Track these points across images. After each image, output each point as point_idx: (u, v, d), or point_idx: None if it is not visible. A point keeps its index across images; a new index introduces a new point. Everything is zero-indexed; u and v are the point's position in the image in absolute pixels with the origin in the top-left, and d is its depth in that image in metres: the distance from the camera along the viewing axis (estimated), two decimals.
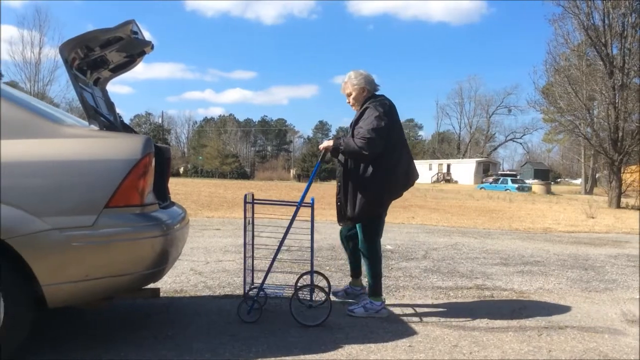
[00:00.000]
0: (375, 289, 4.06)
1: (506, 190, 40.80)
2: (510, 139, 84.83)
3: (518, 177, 54.25)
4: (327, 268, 5.83)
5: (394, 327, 3.75)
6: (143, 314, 3.94)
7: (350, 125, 4.10)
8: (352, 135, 3.96)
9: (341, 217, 4.15)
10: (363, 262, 4.17)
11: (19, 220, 2.67)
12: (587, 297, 4.91)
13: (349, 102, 4.18)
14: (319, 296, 3.98)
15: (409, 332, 3.66)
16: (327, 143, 4.03)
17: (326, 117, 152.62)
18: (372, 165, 3.92)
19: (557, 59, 25.47)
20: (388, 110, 3.96)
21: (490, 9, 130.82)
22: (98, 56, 3.58)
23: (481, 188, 45.17)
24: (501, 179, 46.40)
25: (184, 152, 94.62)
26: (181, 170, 74.65)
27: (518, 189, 41.97)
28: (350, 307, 4.05)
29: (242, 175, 76.29)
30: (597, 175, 46.48)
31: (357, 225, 4.09)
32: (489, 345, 3.42)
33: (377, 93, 4.15)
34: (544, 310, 4.36)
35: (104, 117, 3.45)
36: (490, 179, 49.13)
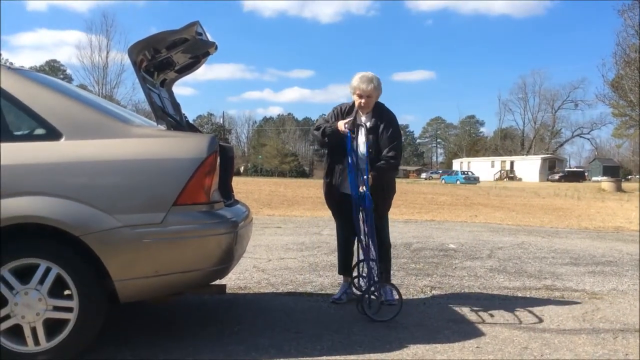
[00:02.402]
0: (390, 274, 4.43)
1: (457, 181, 49.74)
2: (577, 135, 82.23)
3: (586, 172, 56.76)
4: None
5: (460, 328, 3.67)
6: (210, 310, 4.02)
7: (371, 132, 4.13)
8: (376, 141, 4.11)
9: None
10: (382, 252, 4.12)
11: (92, 218, 2.77)
12: None
13: (362, 103, 4.14)
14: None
15: (476, 332, 3.57)
16: (371, 178, 4.00)
17: None
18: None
19: (627, 50, 24.43)
20: None
21: (555, 0, 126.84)
22: (164, 58, 3.65)
23: (442, 180, 53.52)
24: (453, 172, 56.89)
25: (244, 151, 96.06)
26: (241, 169, 75.88)
27: (465, 179, 50.68)
28: (388, 299, 4.01)
29: (301, 173, 76.87)
30: None
31: (373, 217, 4.02)
32: (561, 348, 3.29)
33: None
34: (618, 312, 4.17)
35: (171, 117, 3.52)
36: (449, 171, 60.21)
